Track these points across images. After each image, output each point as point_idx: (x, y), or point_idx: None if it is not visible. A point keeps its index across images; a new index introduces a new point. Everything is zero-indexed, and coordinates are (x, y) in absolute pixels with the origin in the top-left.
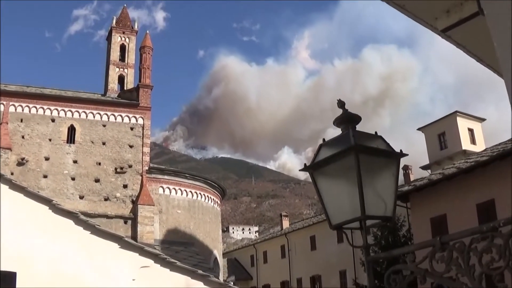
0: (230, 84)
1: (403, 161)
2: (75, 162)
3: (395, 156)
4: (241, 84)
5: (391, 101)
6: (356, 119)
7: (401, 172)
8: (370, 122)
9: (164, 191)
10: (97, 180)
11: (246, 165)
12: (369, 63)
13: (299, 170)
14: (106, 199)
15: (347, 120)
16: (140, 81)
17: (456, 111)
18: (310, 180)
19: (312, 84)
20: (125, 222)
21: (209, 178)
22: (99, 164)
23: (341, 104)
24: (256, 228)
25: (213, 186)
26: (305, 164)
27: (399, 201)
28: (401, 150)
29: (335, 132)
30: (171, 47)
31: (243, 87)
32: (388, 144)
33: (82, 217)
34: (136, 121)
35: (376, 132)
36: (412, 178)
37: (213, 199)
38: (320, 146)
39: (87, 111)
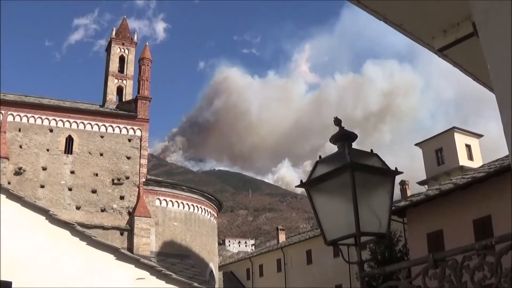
0: (230, 97)
1: (400, 176)
2: (72, 172)
3: (390, 174)
4: (241, 97)
5: (392, 117)
6: (352, 136)
7: (397, 187)
8: (371, 138)
9: (160, 203)
10: (94, 191)
11: (243, 178)
12: (371, 78)
13: (295, 187)
14: (102, 210)
15: (344, 137)
16: (138, 92)
17: (454, 127)
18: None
19: (313, 99)
20: (121, 234)
21: (206, 191)
22: (96, 175)
23: (337, 122)
24: (253, 242)
25: (209, 198)
26: (301, 181)
27: (396, 216)
28: (396, 168)
29: (335, 147)
30: (171, 58)
31: (243, 100)
32: (383, 162)
33: (78, 228)
34: (134, 132)
35: (371, 150)
36: (409, 193)
37: (210, 211)
38: (316, 163)
39: (85, 122)
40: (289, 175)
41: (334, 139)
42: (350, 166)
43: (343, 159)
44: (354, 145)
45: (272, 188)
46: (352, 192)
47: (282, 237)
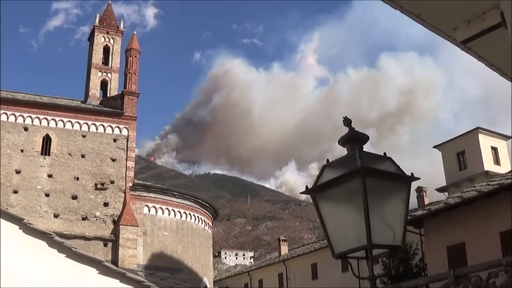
0: (230, 92)
1: (416, 183)
2: (50, 176)
3: (405, 180)
4: (242, 92)
5: (411, 117)
6: (364, 138)
7: (414, 194)
8: (386, 141)
9: (149, 211)
10: (74, 197)
11: (242, 183)
12: (388, 73)
13: (300, 193)
14: (84, 219)
15: (354, 139)
16: (125, 87)
17: (478, 127)
18: (311, 201)
19: (322, 96)
20: (105, 245)
21: (199, 197)
22: (77, 179)
23: (347, 121)
24: (251, 254)
25: (204, 206)
26: (306, 187)
27: (412, 227)
28: (412, 173)
29: (345, 150)
30: (163, 48)
31: (244, 96)
32: (398, 167)
33: (56, 238)
34: (120, 132)
35: (385, 153)
36: (426, 201)
37: (204, 220)
38: (324, 167)
39: (65, 120)
40: (293, 180)
41: (343, 141)
42: (361, 171)
43: (353, 163)
44: (366, 147)
45: (273, 194)
46: (363, 199)
47: (284, 249)
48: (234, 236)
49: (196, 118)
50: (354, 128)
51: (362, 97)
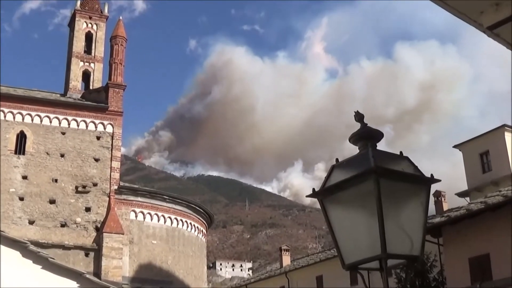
0: (228, 85)
1: (435, 186)
2: (24, 178)
3: (424, 182)
4: (241, 85)
5: (432, 114)
6: (377, 135)
7: (431, 200)
8: (403, 140)
9: (136, 217)
10: (52, 201)
11: (239, 185)
12: (406, 65)
13: (307, 196)
14: (63, 225)
15: (366, 136)
16: (110, 79)
17: (504, 125)
18: (317, 206)
19: (332, 90)
20: (87, 255)
21: (192, 202)
22: (56, 181)
23: (359, 117)
24: (250, 265)
25: (197, 211)
26: (313, 189)
27: (429, 235)
28: (432, 175)
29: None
30: (153, 35)
31: (244, 90)
32: (415, 167)
33: (31, 247)
34: (104, 128)
35: (401, 152)
36: (445, 207)
37: (197, 227)
38: (333, 168)
39: (42, 115)
40: (298, 183)
41: (354, 138)
42: (374, 172)
43: (365, 162)
44: (380, 147)
45: (274, 198)
46: (377, 203)
47: (286, 260)
48: (231, 245)
49: (190, 114)
50: (366, 124)
51: (377, 92)
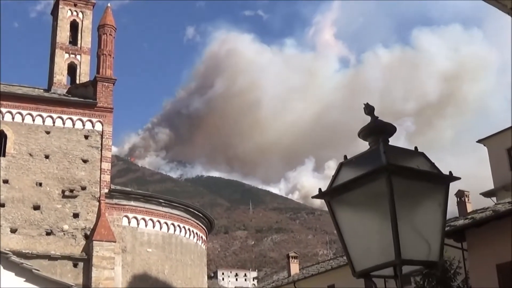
0: (230, 78)
1: (457, 185)
2: (5, 182)
3: (442, 180)
4: (245, 77)
5: (455, 108)
6: (389, 129)
7: (453, 200)
8: (424, 136)
9: (129, 223)
10: (36, 207)
11: (241, 187)
12: (427, 53)
13: (312, 197)
14: (48, 233)
15: (377, 130)
16: (98, 72)
17: None
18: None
19: (344, 82)
20: (75, 265)
21: (191, 205)
22: (40, 185)
23: (369, 109)
24: (255, 274)
25: (196, 215)
26: (319, 190)
27: (452, 239)
28: (450, 172)
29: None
30: (145, 23)
31: (249, 82)
32: (432, 164)
33: (13, 258)
34: (93, 126)
35: (416, 148)
36: (469, 208)
37: (197, 233)
38: (341, 165)
39: (24, 112)
40: (309, 183)
41: (364, 133)
42: (386, 169)
43: (377, 159)
44: (399, 144)
45: (280, 200)
46: (390, 204)
47: (294, 268)
48: (234, 252)
49: (189, 109)
50: (377, 117)
51: (395, 83)
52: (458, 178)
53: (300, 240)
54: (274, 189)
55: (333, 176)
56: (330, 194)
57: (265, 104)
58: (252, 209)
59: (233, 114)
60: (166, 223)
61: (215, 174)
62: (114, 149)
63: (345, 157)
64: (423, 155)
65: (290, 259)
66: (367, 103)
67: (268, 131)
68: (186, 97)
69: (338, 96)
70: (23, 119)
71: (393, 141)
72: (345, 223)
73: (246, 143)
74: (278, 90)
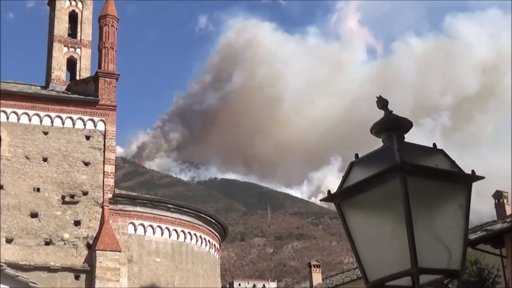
0: (248, 70)
1: (496, 186)
2: (0, 187)
3: (463, 180)
4: (265, 71)
5: (496, 101)
6: (404, 124)
7: (491, 202)
8: (461, 132)
9: (135, 230)
10: (34, 215)
11: (259, 190)
12: (465, 42)
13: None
14: (47, 243)
15: (391, 126)
16: (99, 67)
17: None
18: None
19: (374, 74)
20: (77, 277)
21: (203, 211)
22: (38, 190)
23: (382, 102)
24: (274, 285)
25: (209, 222)
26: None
27: (490, 245)
28: (473, 171)
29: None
30: (152, 13)
31: (267, 75)
32: (452, 162)
33: (8, 270)
34: (94, 126)
35: (434, 144)
36: (508, 210)
37: (209, 241)
38: (351, 165)
39: (20, 112)
40: (335, 185)
41: (376, 129)
42: (400, 168)
43: (390, 157)
44: (435, 140)
45: (301, 204)
46: (404, 207)
47: (317, 278)
48: (251, 261)
49: (201, 105)
50: (391, 111)
51: (429, 75)
52: (482, 178)
53: (323, 247)
54: (295, 192)
55: (343, 176)
56: (340, 197)
57: (287, 99)
58: (271, 214)
59: (251, 110)
60: (176, 231)
61: (230, 176)
62: (120, 150)
63: (356, 155)
64: (442, 152)
65: (312, 268)
66: (380, 96)
67: (290, 129)
68: (199, 91)
69: (366, 90)
70: (18, 119)
71: (427, 136)
72: (356, 228)
73: (265, 142)
74: (301, 83)
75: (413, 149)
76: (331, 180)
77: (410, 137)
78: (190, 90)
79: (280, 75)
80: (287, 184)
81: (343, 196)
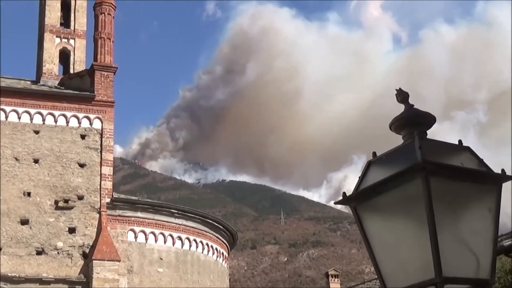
0: (262, 62)
1: None
2: None
3: (492, 180)
4: (281, 64)
5: None
6: (427, 119)
7: None
8: (498, 128)
9: (136, 238)
10: (24, 222)
11: (271, 193)
12: (503, 29)
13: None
14: (39, 252)
15: (412, 122)
16: (95, 59)
17: None
18: None
19: (400, 65)
20: None
21: (209, 216)
22: (28, 194)
23: (402, 96)
24: None
25: (216, 228)
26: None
27: None
28: (503, 170)
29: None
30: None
31: (284, 68)
32: (480, 161)
33: None
34: (90, 124)
35: (460, 141)
36: None
37: (217, 249)
38: (369, 164)
39: (8, 109)
40: (352, 185)
41: (396, 125)
42: (422, 168)
43: (411, 156)
44: (469, 138)
45: (317, 208)
46: (427, 210)
47: None
48: (263, 271)
49: (210, 100)
50: (413, 105)
51: (462, 67)
52: (511, 178)
53: (342, 255)
54: (312, 195)
55: (359, 177)
56: (356, 199)
57: (306, 94)
58: (284, 219)
59: (265, 106)
60: (180, 238)
61: (239, 178)
62: (119, 150)
63: (374, 154)
64: (469, 150)
65: (330, 278)
66: (400, 88)
67: (308, 127)
68: (208, 84)
69: (391, 83)
70: (6, 117)
71: (461, 132)
72: (374, 234)
73: (280, 141)
74: (321, 76)
75: (437, 146)
76: (353, 181)
77: (439, 133)
78: (198, 84)
79: (299, 67)
80: (304, 186)
81: (359, 199)
